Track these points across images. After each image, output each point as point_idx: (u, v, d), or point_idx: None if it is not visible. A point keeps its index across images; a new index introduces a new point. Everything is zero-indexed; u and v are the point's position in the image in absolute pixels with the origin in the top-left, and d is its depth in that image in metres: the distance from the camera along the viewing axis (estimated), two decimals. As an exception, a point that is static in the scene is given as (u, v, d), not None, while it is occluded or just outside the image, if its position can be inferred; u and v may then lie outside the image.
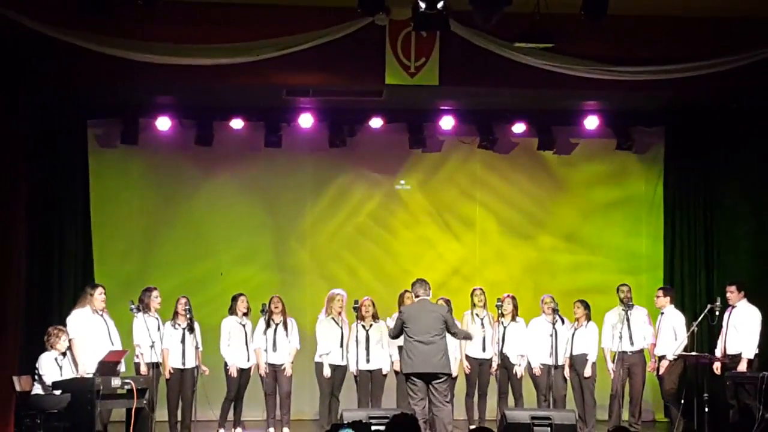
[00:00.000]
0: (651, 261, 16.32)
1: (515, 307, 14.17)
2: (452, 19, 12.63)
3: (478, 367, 14.05)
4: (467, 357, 14.01)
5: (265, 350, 13.72)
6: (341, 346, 13.88)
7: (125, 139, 15.37)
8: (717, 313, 13.54)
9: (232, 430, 13.79)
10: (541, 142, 16.00)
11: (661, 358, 13.85)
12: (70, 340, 12.68)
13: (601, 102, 15.35)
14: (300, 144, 15.90)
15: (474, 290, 14.23)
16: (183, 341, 13.50)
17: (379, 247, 16.35)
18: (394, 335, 12.80)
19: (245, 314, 13.92)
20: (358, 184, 16.31)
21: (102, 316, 13.02)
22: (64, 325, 12.81)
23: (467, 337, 13.25)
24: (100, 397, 11.92)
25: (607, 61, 13.23)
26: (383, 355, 13.93)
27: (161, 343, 13.31)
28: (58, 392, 12.11)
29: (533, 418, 12.76)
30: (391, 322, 13.55)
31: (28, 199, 13.96)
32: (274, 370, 13.81)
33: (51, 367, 12.37)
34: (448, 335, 12.58)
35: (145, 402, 12.58)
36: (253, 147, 15.85)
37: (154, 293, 13.51)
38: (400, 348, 13.72)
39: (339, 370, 13.91)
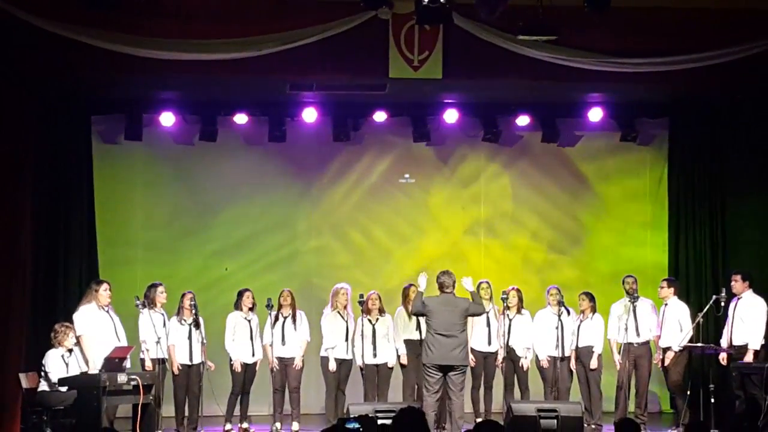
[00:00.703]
0: (655, 252, 16.30)
1: (520, 299, 14.16)
2: (455, 13, 12.67)
3: (483, 360, 14.04)
4: (472, 350, 13.99)
5: (271, 345, 13.72)
6: (346, 340, 13.88)
7: (129, 135, 15.36)
8: (722, 304, 13.54)
9: (239, 424, 13.79)
10: (546, 134, 15.99)
11: (666, 349, 13.85)
12: (78, 337, 12.68)
13: (605, 94, 15.32)
14: (304, 138, 15.90)
15: (480, 283, 14.20)
16: (189, 337, 13.50)
17: (384, 241, 16.34)
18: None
19: (251, 309, 13.92)
20: (362, 178, 16.31)
21: (108, 312, 13.02)
22: (70, 321, 12.80)
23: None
24: (106, 393, 11.93)
25: (610, 53, 13.22)
26: (389, 349, 13.93)
27: (167, 339, 13.32)
28: (64, 389, 12.13)
29: (539, 410, 12.79)
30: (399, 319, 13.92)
31: (33, 196, 13.98)
32: (285, 364, 13.81)
33: (57, 364, 12.38)
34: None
35: (151, 398, 12.58)
36: (258, 142, 15.87)
37: (160, 288, 13.50)
38: (406, 342, 13.82)
39: (344, 365, 13.91)
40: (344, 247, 16.30)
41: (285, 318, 13.87)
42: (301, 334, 13.92)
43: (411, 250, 16.34)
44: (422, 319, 13.03)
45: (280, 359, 13.79)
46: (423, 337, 13.15)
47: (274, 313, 13.78)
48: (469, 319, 13.13)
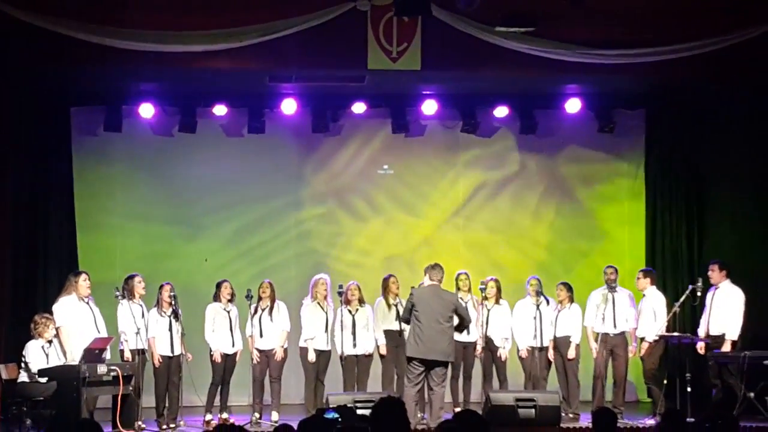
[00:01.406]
0: (633, 243, 16.37)
1: (499, 289, 14.19)
2: (433, 4, 12.70)
3: (462, 350, 14.05)
4: (451, 340, 14.06)
5: (250, 336, 13.75)
6: (326, 330, 13.91)
7: (108, 127, 15.35)
8: (699, 293, 13.61)
9: (219, 414, 13.80)
10: (523, 125, 16.04)
11: (643, 339, 13.91)
12: (57, 329, 12.67)
13: (582, 85, 15.38)
14: (283, 130, 15.92)
15: (458, 274, 14.25)
16: (170, 329, 13.49)
17: (363, 231, 16.38)
18: (404, 319, 12.99)
19: (229, 300, 13.93)
20: (341, 169, 16.32)
21: (88, 303, 13.02)
22: (50, 312, 12.80)
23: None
24: (86, 384, 11.95)
25: (588, 45, 13.29)
26: (369, 339, 13.97)
27: (146, 330, 13.31)
28: (44, 380, 12.13)
29: (517, 399, 12.87)
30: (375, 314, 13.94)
31: (13, 187, 13.96)
32: (266, 355, 13.84)
33: (37, 355, 12.37)
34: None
35: (131, 388, 12.60)
36: (237, 133, 15.88)
37: (137, 279, 13.45)
38: (385, 332, 13.86)
39: (324, 355, 13.93)
40: (324, 237, 16.30)
41: (263, 310, 13.89)
42: (279, 324, 13.94)
43: (390, 241, 16.36)
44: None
45: (261, 351, 13.82)
46: (403, 328, 13.24)
47: (254, 305, 13.81)
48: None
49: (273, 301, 13.94)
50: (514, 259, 16.34)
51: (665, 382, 13.64)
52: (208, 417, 13.71)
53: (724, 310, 13.65)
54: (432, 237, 16.43)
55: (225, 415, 13.80)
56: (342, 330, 13.74)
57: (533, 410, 12.82)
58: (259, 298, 13.89)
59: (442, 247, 16.30)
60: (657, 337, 13.74)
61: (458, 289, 14.09)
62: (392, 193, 16.42)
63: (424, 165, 16.44)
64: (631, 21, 13.41)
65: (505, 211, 16.53)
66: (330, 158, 16.26)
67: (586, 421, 13.28)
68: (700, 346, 13.67)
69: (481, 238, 16.48)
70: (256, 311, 13.83)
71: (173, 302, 13.49)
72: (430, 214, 16.47)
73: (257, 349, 13.79)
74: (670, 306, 13.82)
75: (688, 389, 13.10)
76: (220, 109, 15.37)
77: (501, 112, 15.82)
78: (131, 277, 13.47)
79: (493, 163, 16.51)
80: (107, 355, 12.77)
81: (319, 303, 13.95)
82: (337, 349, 13.84)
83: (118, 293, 13.18)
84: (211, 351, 13.77)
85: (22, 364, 12.44)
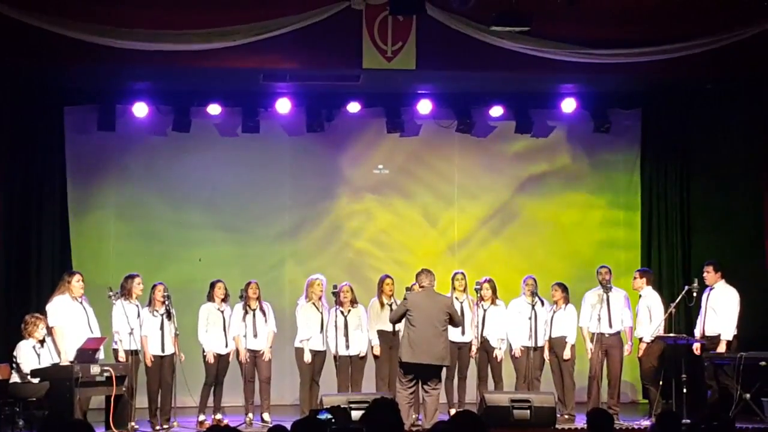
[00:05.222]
0: (628, 243, 16.34)
1: (494, 290, 14.15)
2: (428, 3, 12.68)
3: (457, 351, 14.01)
4: (445, 340, 14.03)
5: (245, 336, 13.70)
6: (321, 331, 13.87)
7: (102, 126, 15.31)
8: (694, 294, 13.58)
9: (212, 415, 13.76)
10: (519, 125, 16.00)
11: (640, 340, 13.89)
12: (51, 329, 12.64)
13: (578, 85, 15.37)
14: (278, 129, 15.90)
15: (454, 274, 14.21)
16: (162, 328, 13.44)
17: (358, 232, 16.34)
18: (394, 320, 13.03)
19: (223, 300, 13.88)
20: (336, 169, 16.28)
21: (81, 303, 12.98)
22: (42, 312, 12.76)
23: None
24: (79, 384, 11.91)
25: (583, 44, 13.28)
26: (362, 339, 13.93)
27: (140, 330, 13.26)
28: (36, 380, 12.09)
29: (512, 400, 12.85)
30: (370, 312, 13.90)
31: (5, 187, 13.92)
32: (254, 355, 13.79)
33: (29, 355, 12.33)
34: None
35: (124, 389, 12.56)
36: (231, 132, 15.84)
37: (137, 280, 13.40)
38: (379, 333, 13.81)
39: (319, 356, 13.89)
40: (318, 237, 16.26)
41: (254, 311, 13.83)
42: (270, 325, 13.90)
43: (385, 241, 16.32)
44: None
45: (251, 351, 13.76)
46: (397, 329, 13.22)
47: (241, 305, 13.76)
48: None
49: (261, 302, 13.89)
50: (509, 258, 16.29)
51: (661, 382, 13.62)
52: (202, 417, 13.68)
53: (720, 311, 13.63)
54: (427, 237, 16.38)
55: (218, 416, 13.76)
56: (336, 331, 13.71)
57: (528, 411, 12.79)
58: (248, 298, 13.83)
59: (437, 247, 16.27)
60: (653, 338, 13.71)
61: (454, 289, 14.06)
62: (386, 193, 16.36)
63: (419, 164, 16.40)
64: (627, 20, 13.39)
65: (500, 210, 16.48)
66: (324, 158, 16.22)
67: (581, 422, 13.24)
68: (696, 347, 13.64)
69: (476, 238, 16.44)
70: (246, 311, 13.77)
71: (166, 302, 13.45)
72: (426, 213, 16.42)
73: (248, 350, 13.73)
74: (666, 306, 13.80)
75: (684, 390, 13.07)
76: (214, 109, 15.34)
77: (496, 111, 15.79)
78: (131, 277, 13.42)
79: (488, 163, 16.47)
80: (101, 355, 12.72)
81: (314, 303, 13.91)
82: (331, 349, 13.81)
83: (111, 293, 13.11)
84: (204, 351, 13.72)
85: (14, 365, 12.39)
